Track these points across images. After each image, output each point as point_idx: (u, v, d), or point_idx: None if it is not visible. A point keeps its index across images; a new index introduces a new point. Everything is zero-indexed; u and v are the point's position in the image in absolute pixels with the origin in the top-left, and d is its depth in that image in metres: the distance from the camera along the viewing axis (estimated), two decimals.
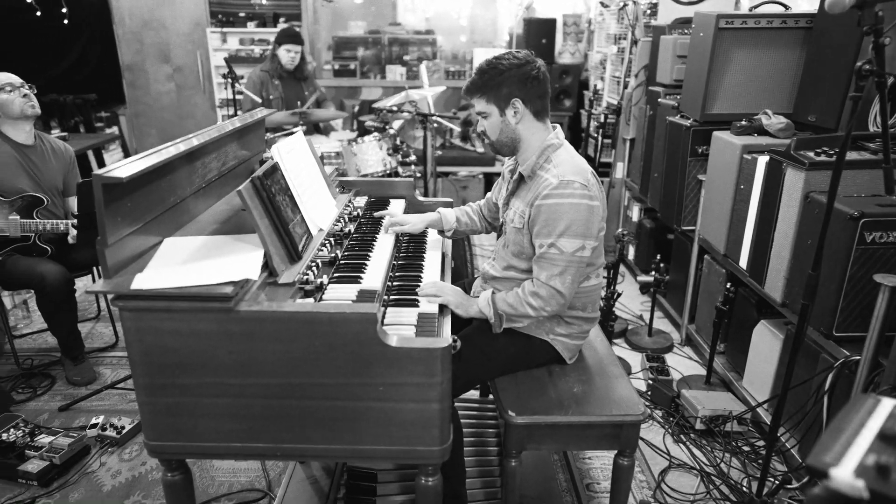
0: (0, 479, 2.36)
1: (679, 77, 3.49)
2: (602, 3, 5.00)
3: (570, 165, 1.78)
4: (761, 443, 2.57)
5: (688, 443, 2.60)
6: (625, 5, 4.32)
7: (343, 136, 4.72)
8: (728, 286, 2.82)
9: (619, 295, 3.16)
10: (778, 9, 3.13)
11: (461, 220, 2.26)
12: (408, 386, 1.49)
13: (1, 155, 2.73)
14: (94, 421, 2.63)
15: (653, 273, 3.32)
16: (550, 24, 5.75)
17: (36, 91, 2.76)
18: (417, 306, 1.78)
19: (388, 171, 4.22)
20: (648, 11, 4.30)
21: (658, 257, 3.33)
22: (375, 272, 1.86)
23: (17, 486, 2.33)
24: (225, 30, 6.15)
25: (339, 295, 1.69)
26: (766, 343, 2.65)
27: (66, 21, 5.08)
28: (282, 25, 6.07)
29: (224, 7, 6.22)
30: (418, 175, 4.40)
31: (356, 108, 6.18)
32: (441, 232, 2.28)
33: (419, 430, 1.53)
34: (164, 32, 6.25)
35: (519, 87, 1.78)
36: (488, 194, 2.24)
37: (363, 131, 4.65)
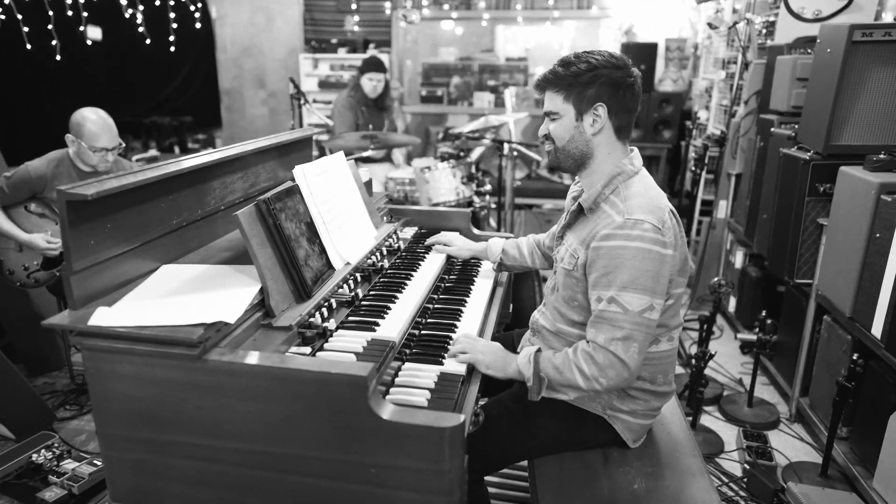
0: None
1: (798, 103, 2.98)
2: (710, 25, 4.51)
3: (642, 200, 1.42)
4: None
5: None
6: (735, 24, 3.84)
7: (421, 164, 4.54)
8: (855, 358, 2.26)
9: (712, 356, 2.66)
10: None
11: (509, 252, 1.98)
12: (405, 471, 1.17)
13: (65, 180, 2.76)
14: None
15: (757, 332, 2.79)
16: (651, 48, 5.30)
17: (122, 150, 2.80)
18: (441, 363, 1.47)
19: (460, 201, 3.95)
20: (764, 31, 3.78)
21: (764, 314, 2.80)
22: (398, 317, 1.57)
23: None
24: (317, 56, 6.23)
25: (344, 345, 1.41)
26: None
27: (172, 49, 5.33)
28: (371, 52, 6.06)
29: (318, 34, 6.33)
30: (493, 206, 4.09)
31: (440, 136, 6.01)
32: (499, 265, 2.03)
33: None
34: (261, 58, 6.45)
35: (610, 93, 1.45)
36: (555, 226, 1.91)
37: (442, 159, 4.45)
